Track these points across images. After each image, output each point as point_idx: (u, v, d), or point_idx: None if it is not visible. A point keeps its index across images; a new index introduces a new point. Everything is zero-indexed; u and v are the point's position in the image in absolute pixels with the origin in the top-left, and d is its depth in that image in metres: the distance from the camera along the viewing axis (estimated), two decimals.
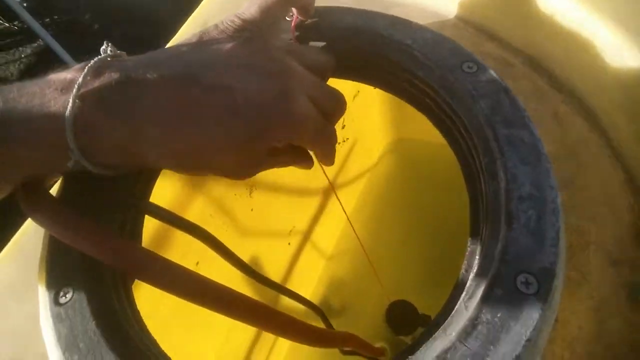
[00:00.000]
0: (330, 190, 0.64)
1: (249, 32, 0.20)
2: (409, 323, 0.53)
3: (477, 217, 0.21)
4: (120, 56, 0.19)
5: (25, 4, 1.45)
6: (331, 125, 0.22)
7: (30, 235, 0.28)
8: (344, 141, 0.63)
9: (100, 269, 0.20)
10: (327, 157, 0.23)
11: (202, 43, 0.20)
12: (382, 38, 0.23)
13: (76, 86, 0.17)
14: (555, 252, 0.16)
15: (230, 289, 0.19)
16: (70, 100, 0.17)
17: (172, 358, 0.19)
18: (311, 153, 0.24)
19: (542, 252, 0.16)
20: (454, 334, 0.15)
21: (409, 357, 0.16)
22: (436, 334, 0.16)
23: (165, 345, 0.20)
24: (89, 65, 0.18)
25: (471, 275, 0.18)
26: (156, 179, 0.26)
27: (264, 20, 0.20)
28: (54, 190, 0.23)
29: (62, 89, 0.17)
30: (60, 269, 0.19)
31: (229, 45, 0.19)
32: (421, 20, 0.29)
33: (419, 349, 0.16)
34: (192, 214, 0.42)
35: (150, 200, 0.27)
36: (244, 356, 0.52)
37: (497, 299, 0.15)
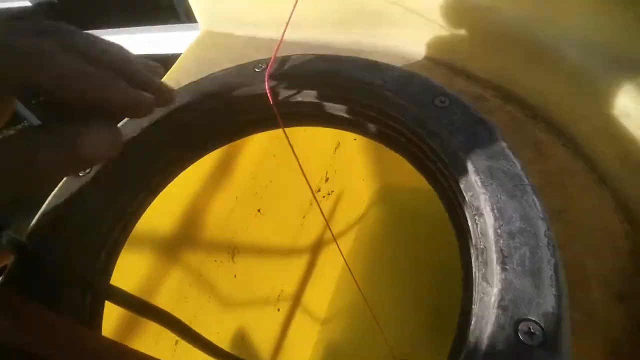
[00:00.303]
0: (318, 247, 0.61)
1: None
2: None
3: (468, 259, 0.19)
4: None
5: None
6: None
7: None
8: (329, 194, 0.62)
9: None
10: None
11: None
12: (353, 81, 0.22)
13: None
14: (556, 293, 0.14)
15: None
16: None
17: None
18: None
19: (541, 294, 0.14)
20: None
21: None
22: None
23: None
24: None
25: (470, 327, 0.15)
26: (119, 252, 0.24)
27: None
28: None
29: None
30: None
31: None
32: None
33: None
34: (169, 287, 0.39)
35: (121, 274, 0.24)
36: None
37: (501, 357, 0.13)
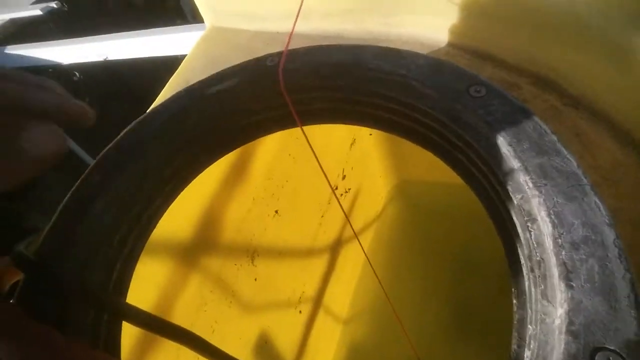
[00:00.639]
0: (337, 246, 0.60)
1: None
2: None
3: (519, 272, 0.17)
4: None
5: None
6: None
7: None
8: (347, 192, 0.60)
9: None
10: None
11: None
12: (372, 72, 0.20)
13: None
14: (636, 315, 0.12)
15: None
16: None
17: None
18: None
19: (619, 318, 0.12)
20: None
21: None
22: None
23: None
24: None
25: (527, 354, 0.13)
26: (135, 263, 0.23)
27: None
28: None
29: None
30: None
31: None
32: None
33: None
34: (189, 293, 0.38)
35: (139, 282, 0.23)
36: None
37: None
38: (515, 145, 0.16)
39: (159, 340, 0.34)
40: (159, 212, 0.23)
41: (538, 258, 0.15)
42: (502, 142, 0.17)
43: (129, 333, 0.28)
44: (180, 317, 0.37)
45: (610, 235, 0.13)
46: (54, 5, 1.08)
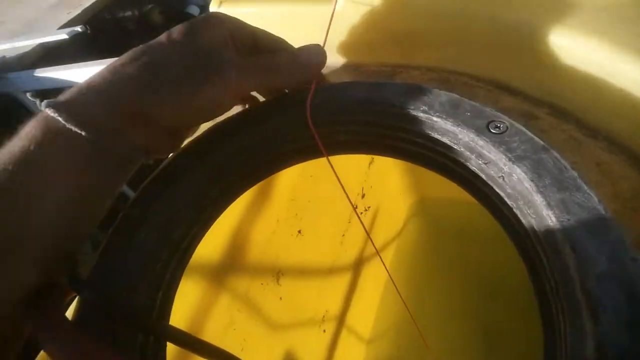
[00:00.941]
0: (359, 265, 0.61)
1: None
2: None
3: (546, 304, 0.18)
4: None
5: None
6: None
7: None
8: (366, 210, 0.61)
9: None
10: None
11: None
12: (395, 107, 0.22)
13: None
14: None
15: None
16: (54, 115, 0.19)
17: None
18: None
19: None
20: None
21: None
22: None
23: None
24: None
25: None
26: (176, 288, 0.24)
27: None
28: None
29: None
30: None
31: None
32: (426, 85, 0.29)
33: None
34: (218, 313, 0.39)
35: (174, 306, 0.24)
36: None
37: None
38: (536, 180, 0.17)
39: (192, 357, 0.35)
40: (196, 239, 0.25)
41: (564, 291, 0.16)
42: (524, 177, 0.18)
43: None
44: (211, 336, 0.38)
45: (635, 269, 0.14)
46: (78, 29, 1.13)
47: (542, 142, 0.18)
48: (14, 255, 0.19)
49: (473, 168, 0.21)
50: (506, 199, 0.20)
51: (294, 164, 0.27)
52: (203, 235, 0.25)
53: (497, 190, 0.20)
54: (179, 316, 0.35)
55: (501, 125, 0.19)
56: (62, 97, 0.20)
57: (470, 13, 0.25)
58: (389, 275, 0.39)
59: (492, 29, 0.25)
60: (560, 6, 0.25)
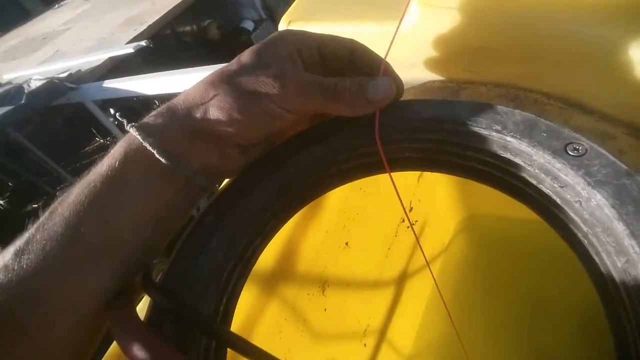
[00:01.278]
0: (403, 279, 0.59)
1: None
2: None
3: (624, 340, 0.17)
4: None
5: (116, 122, 1.70)
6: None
7: None
8: (413, 224, 0.60)
9: None
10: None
11: None
12: (465, 127, 0.21)
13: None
14: None
15: None
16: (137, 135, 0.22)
17: None
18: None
19: None
20: None
21: None
22: None
23: None
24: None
25: None
26: (238, 297, 0.25)
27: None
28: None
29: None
30: None
31: None
32: (495, 101, 0.28)
33: None
34: (267, 321, 0.40)
35: (234, 311, 0.25)
36: None
37: None
38: (618, 207, 0.16)
39: None
40: (259, 250, 0.26)
41: None
42: (605, 203, 0.17)
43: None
44: (259, 342, 0.39)
45: None
46: (143, 43, 1.22)
47: (625, 167, 0.17)
48: (94, 265, 0.21)
49: (547, 191, 0.20)
50: (582, 225, 0.19)
51: (355, 180, 0.28)
52: (265, 246, 0.26)
53: (572, 215, 0.19)
54: (233, 322, 0.36)
55: (580, 148, 0.18)
56: (146, 118, 0.23)
57: (544, 28, 0.24)
58: (437, 287, 0.38)
59: (565, 44, 0.24)
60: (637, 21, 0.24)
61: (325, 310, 0.47)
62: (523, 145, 0.20)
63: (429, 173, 0.58)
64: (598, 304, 0.18)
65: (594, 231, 0.18)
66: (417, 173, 0.59)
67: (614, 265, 0.17)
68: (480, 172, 0.23)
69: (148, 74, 1.21)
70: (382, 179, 0.31)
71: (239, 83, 0.22)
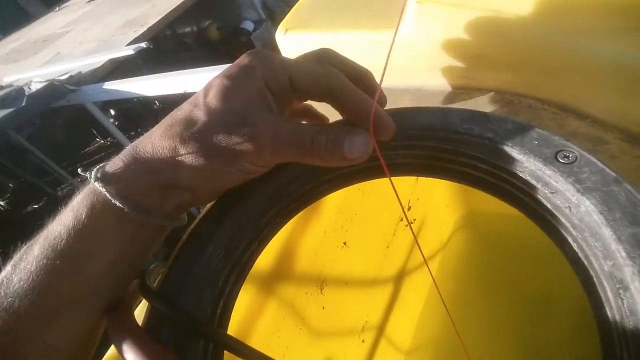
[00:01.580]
0: (401, 278, 0.60)
1: None
2: None
3: (608, 337, 0.17)
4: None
5: (116, 123, 1.70)
6: None
7: None
8: (412, 223, 0.61)
9: None
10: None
11: None
12: (459, 134, 0.22)
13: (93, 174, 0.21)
14: None
15: None
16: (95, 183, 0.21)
17: None
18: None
19: None
20: None
21: None
22: None
23: None
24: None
25: None
26: (234, 300, 0.26)
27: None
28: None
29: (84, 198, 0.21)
30: None
31: None
32: (490, 107, 0.28)
33: None
34: (265, 320, 0.40)
35: (230, 315, 0.26)
36: None
37: None
38: (606, 214, 0.17)
39: None
40: (255, 254, 0.26)
41: (631, 326, 0.15)
42: (593, 210, 0.17)
43: None
44: (256, 341, 0.40)
45: None
46: (143, 45, 1.22)
47: (613, 174, 0.18)
48: (71, 312, 0.21)
49: (538, 196, 0.20)
50: (572, 229, 0.19)
51: (350, 185, 0.28)
52: (261, 250, 0.27)
53: (563, 220, 0.20)
54: (230, 322, 0.36)
55: (570, 155, 0.19)
56: (110, 168, 0.22)
57: (537, 37, 0.25)
58: (435, 284, 0.38)
59: (559, 51, 0.25)
60: (632, 30, 0.24)
61: (323, 308, 0.48)
62: (515, 153, 0.20)
63: None
64: None
65: (583, 236, 0.18)
66: None
67: (602, 268, 0.17)
68: (473, 177, 0.23)
69: (148, 75, 1.21)
70: (380, 180, 0.32)
71: (210, 141, 0.21)
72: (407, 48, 0.27)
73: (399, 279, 0.60)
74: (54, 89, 1.34)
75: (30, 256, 0.20)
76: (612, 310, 0.17)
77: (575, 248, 0.19)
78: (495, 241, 0.66)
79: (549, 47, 0.25)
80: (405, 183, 0.57)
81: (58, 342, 0.21)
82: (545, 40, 0.25)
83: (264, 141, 0.21)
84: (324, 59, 0.23)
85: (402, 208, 0.27)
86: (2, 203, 1.90)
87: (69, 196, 0.23)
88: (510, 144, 0.20)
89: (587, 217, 0.18)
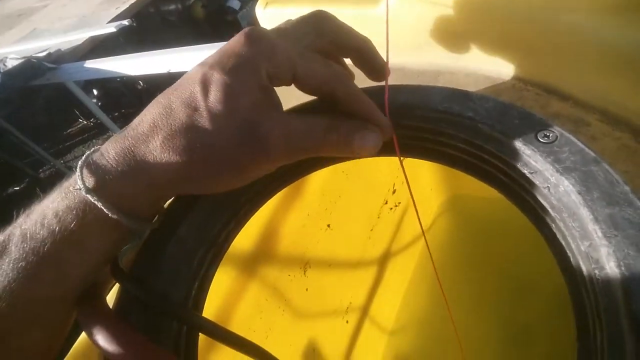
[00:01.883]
0: (385, 259, 0.60)
1: None
2: None
3: (583, 315, 0.17)
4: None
5: (99, 104, 1.66)
6: None
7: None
8: (396, 206, 0.61)
9: None
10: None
11: None
12: (439, 113, 0.21)
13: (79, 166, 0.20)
14: None
15: None
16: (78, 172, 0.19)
17: None
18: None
19: None
20: None
21: None
22: None
23: None
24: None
25: None
26: (210, 281, 0.25)
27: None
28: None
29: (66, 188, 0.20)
30: None
31: None
32: (473, 87, 0.28)
33: None
34: (247, 301, 0.40)
35: (206, 296, 0.25)
36: None
37: None
38: (584, 193, 0.17)
39: (219, 346, 0.37)
40: (233, 234, 0.26)
41: (605, 307, 0.15)
42: (572, 190, 0.17)
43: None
44: (238, 323, 0.40)
45: None
46: (125, 22, 1.18)
47: (593, 154, 0.18)
48: (52, 313, 0.21)
49: (517, 177, 0.20)
50: (550, 210, 0.19)
51: (334, 164, 0.27)
52: (239, 231, 0.26)
53: (541, 200, 0.19)
54: (210, 303, 0.36)
55: (550, 135, 0.18)
56: (101, 160, 0.20)
57: (521, 15, 0.24)
58: (431, 258, 0.38)
59: (542, 30, 0.24)
60: (614, 8, 0.23)
61: (307, 290, 0.48)
62: (495, 132, 0.20)
63: None
64: None
65: (561, 216, 0.18)
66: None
67: (579, 249, 0.17)
68: (452, 157, 0.23)
69: (131, 54, 1.17)
70: (364, 162, 0.31)
71: (220, 156, 0.19)
72: (390, 25, 0.26)
73: (383, 261, 0.60)
74: (31, 66, 1.29)
75: (7, 257, 0.19)
76: (588, 291, 0.17)
77: (554, 229, 0.19)
78: (478, 224, 0.67)
79: (533, 25, 0.24)
80: (390, 166, 0.57)
81: (35, 338, 0.20)
82: (530, 17, 0.24)
83: (276, 148, 0.19)
84: (321, 30, 0.22)
85: (409, 190, 0.26)
86: None
87: (51, 178, 0.21)
88: (490, 123, 0.20)
89: (566, 197, 0.17)
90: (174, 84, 0.21)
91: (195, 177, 0.20)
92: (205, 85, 0.19)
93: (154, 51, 1.11)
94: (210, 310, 0.35)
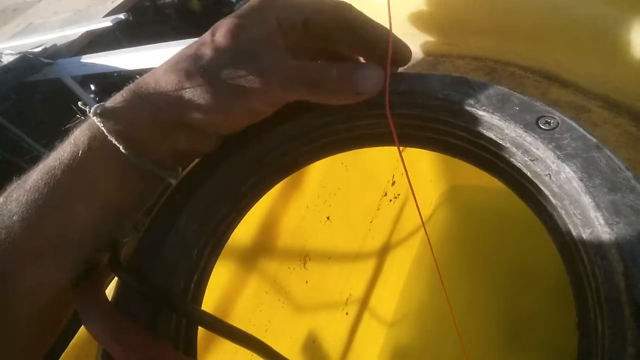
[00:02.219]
0: (385, 251, 0.60)
1: None
2: None
3: (584, 303, 0.17)
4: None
5: (97, 99, 1.64)
6: None
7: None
8: (396, 197, 0.61)
9: None
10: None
11: None
12: (439, 101, 0.21)
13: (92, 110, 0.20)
14: None
15: None
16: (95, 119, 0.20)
17: None
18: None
19: None
20: None
21: None
22: None
23: None
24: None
25: None
26: (210, 273, 0.25)
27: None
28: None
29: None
30: None
31: None
32: (472, 74, 0.28)
33: None
34: (247, 294, 0.40)
35: (205, 289, 0.25)
36: None
37: None
38: (586, 180, 0.16)
39: (218, 340, 0.37)
40: (232, 226, 0.25)
41: (607, 294, 0.15)
42: (573, 176, 0.17)
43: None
44: (238, 316, 0.40)
45: None
46: (121, 16, 1.17)
47: (594, 140, 0.17)
48: (53, 256, 0.20)
49: (518, 164, 0.20)
50: (551, 198, 0.19)
51: (333, 154, 0.27)
52: (238, 222, 0.26)
53: (542, 188, 0.19)
54: (209, 296, 0.36)
55: (551, 121, 0.18)
56: (110, 104, 0.21)
57: (520, 1, 0.24)
58: (431, 249, 0.38)
59: (541, 16, 0.24)
60: None
61: (306, 282, 0.48)
62: (495, 119, 0.19)
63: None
64: None
65: (563, 204, 0.18)
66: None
67: (580, 236, 0.17)
68: (453, 146, 0.23)
69: (128, 49, 1.16)
70: (363, 153, 0.31)
71: (217, 77, 0.20)
72: (385, 12, 0.26)
73: (383, 252, 0.60)
74: (28, 62, 1.28)
75: (23, 188, 0.20)
76: (589, 279, 0.17)
77: (555, 217, 0.19)
78: (478, 215, 0.67)
79: (530, 12, 0.24)
80: (390, 157, 0.57)
81: (37, 287, 0.20)
82: (529, 3, 0.24)
83: (273, 77, 0.20)
84: (343, 18, 0.22)
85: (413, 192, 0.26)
86: None
87: None
88: (490, 110, 0.19)
89: (567, 184, 0.17)
90: None
91: (194, 96, 0.20)
92: (216, 27, 0.21)
93: (150, 45, 1.10)
94: (209, 303, 0.35)
